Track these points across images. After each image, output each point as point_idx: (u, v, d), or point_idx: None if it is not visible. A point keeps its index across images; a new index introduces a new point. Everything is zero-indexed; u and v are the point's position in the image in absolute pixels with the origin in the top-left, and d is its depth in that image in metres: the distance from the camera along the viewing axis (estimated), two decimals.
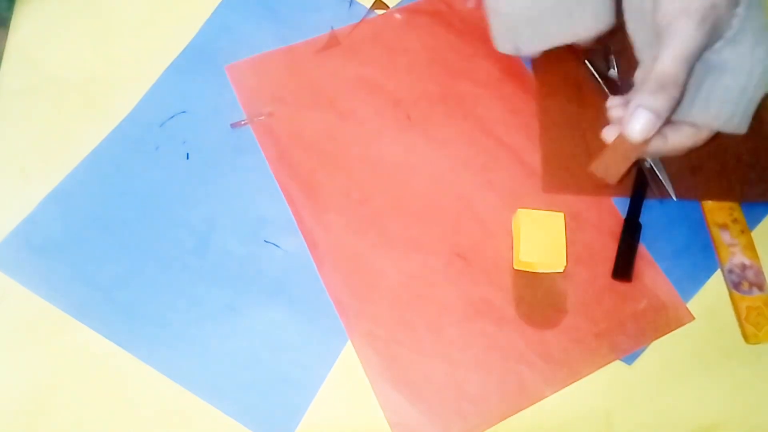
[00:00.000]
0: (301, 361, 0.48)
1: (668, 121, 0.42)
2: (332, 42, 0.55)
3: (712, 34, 0.40)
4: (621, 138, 0.42)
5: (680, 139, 0.44)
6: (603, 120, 0.48)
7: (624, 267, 0.50)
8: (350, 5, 0.56)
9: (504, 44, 0.51)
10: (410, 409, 0.47)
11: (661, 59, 0.39)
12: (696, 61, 0.40)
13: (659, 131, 0.41)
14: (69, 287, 0.48)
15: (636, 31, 0.44)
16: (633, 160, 0.44)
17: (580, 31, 0.48)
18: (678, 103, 0.41)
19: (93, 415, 0.46)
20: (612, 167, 0.44)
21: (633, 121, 0.40)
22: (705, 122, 0.43)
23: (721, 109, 0.42)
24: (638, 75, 0.43)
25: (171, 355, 0.47)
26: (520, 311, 0.49)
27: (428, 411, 0.47)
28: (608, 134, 0.44)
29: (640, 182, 0.52)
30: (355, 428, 0.47)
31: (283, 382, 0.47)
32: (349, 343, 0.48)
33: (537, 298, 0.50)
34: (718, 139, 0.53)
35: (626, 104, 0.42)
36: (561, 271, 0.49)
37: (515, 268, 0.50)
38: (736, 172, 0.53)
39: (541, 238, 0.48)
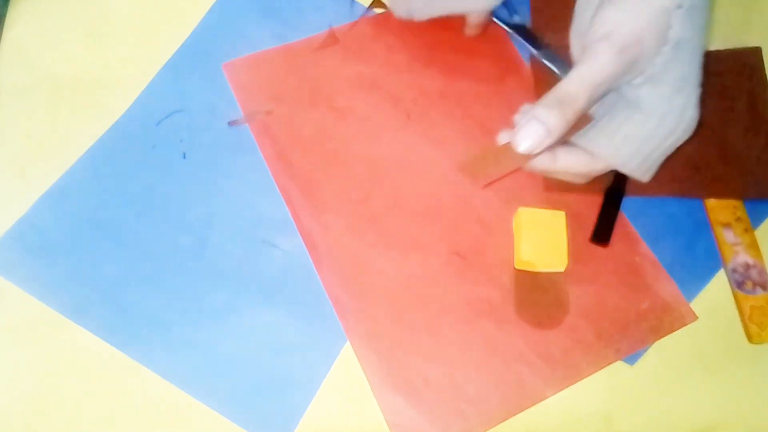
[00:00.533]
0: (300, 361, 0.47)
1: (564, 142, 0.40)
2: (330, 40, 0.55)
3: (631, 68, 0.38)
4: (509, 145, 0.40)
5: (571, 163, 0.42)
6: None
7: (602, 230, 0.50)
8: (352, 5, 0.56)
9: (398, 9, 0.52)
10: (409, 410, 0.46)
11: (567, 76, 0.38)
12: (605, 91, 0.39)
13: (550, 149, 0.40)
14: (65, 288, 0.48)
15: (575, 49, 0.43)
16: (509, 171, 0.42)
17: (469, 5, 0.49)
18: (570, 125, 0.39)
19: (90, 418, 0.46)
20: (485, 171, 0.42)
21: (523, 131, 0.38)
22: (603, 154, 0.41)
23: (623, 146, 0.40)
24: None
25: (168, 357, 0.47)
26: (521, 311, 0.49)
27: (427, 412, 0.46)
28: (502, 138, 0.42)
29: None
30: (353, 429, 0.46)
31: (281, 383, 0.47)
32: (347, 343, 0.48)
33: (538, 298, 0.49)
34: (720, 136, 0.53)
35: None
36: (562, 270, 0.48)
37: (516, 267, 0.49)
38: (739, 169, 0.53)
39: (542, 237, 0.47)
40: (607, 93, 0.39)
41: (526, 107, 0.43)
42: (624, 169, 0.41)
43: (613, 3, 0.38)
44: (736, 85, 0.55)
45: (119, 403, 0.46)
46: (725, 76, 0.56)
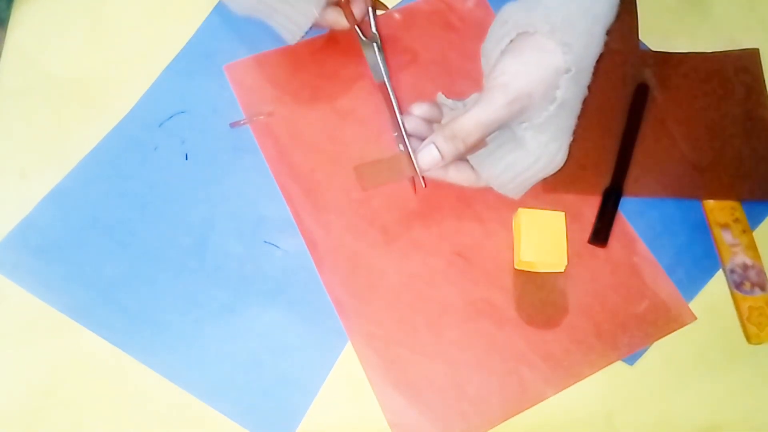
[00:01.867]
0: (301, 362, 0.47)
1: (456, 161, 0.47)
2: (331, 42, 0.55)
3: (520, 114, 0.44)
4: (404, 156, 0.47)
5: (458, 179, 0.49)
6: (595, 117, 0.51)
7: (601, 231, 0.51)
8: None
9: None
10: (410, 410, 0.46)
11: (465, 114, 0.44)
12: (496, 129, 0.45)
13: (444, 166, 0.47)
14: (67, 288, 0.48)
15: (484, 76, 0.47)
16: (400, 179, 0.48)
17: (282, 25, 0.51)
18: (462, 154, 0.45)
19: (91, 418, 0.46)
20: (377, 176, 0.47)
21: (421, 153, 0.45)
22: (486, 176, 0.48)
23: (504, 173, 0.47)
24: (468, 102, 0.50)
25: (170, 357, 0.47)
26: (521, 311, 0.49)
27: (428, 412, 0.46)
28: (401, 146, 0.48)
29: (625, 145, 0.53)
30: (355, 429, 0.46)
31: (283, 383, 0.47)
32: (349, 343, 0.48)
33: (538, 298, 0.49)
34: (718, 138, 0.54)
35: (428, 124, 0.48)
36: (562, 270, 0.48)
37: (516, 267, 0.50)
38: (737, 171, 0.53)
39: (542, 237, 0.48)
40: (498, 129, 0.46)
41: (415, 107, 0.49)
42: (500, 191, 0.49)
43: (514, 55, 0.44)
44: (734, 87, 0.56)
45: (121, 402, 0.46)
46: (723, 77, 0.56)
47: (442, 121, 0.49)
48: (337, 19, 0.52)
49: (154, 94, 0.53)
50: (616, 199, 0.52)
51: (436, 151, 0.45)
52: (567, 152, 0.46)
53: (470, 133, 0.44)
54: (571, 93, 0.44)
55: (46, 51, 0.54)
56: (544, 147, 0.45)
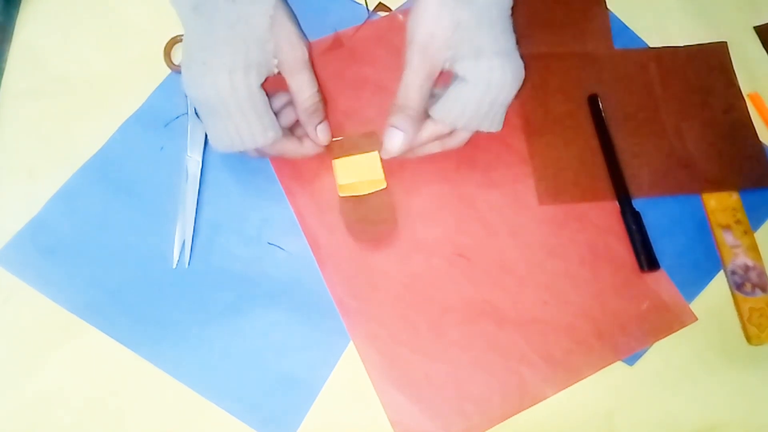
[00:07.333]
0: (304, 361, 0.48)
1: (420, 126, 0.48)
2: (336, 44, 0.55)
3: (437, 58, 0.45)
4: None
5: (429, 136, 0.49)
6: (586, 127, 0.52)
7: (646, 256, 0.50)
8: (355, 8, 0.56)
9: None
10: (412, 409, 0.47)
11: (400, 86, 0.47)
12: (429, 84, 0.47)
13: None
14: (75, 287, 0.49)
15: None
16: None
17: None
18: (418, 121, 0.47)
19: (98, 415, 0.47)
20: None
21: (387, 140, 0.48)
22: (438, 117, 0.48)
23: (453, 109, 0.47)
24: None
25: (176, 356, 0.48)
26: (353, 233, 0.50)
27: (429, 411, 0.47)
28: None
29: (608, 157, 0.53)
30: (356, 428, 0.47)
31: (286, 382, 0.47)
32: (351, 343, 0.48)
33: (366, 217, 0.50)
34: (702, 131, 0.55)
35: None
36: (384, 187, 0.51)
37: (341, 195, 0.51)
38: (728, 161, 0.54)
39: (357, 161, 0.51)
40: (432, 84, 0.47)
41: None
42: (457, 126, 0.48)
43: (411, 12, 0.46)
44: (708, 80, 0.57)
45: (127, 400, 0.47)
46: (695, 71, 0.57)
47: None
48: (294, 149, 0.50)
49: (161, 95, 0.53)
50: (635, 218, 0.51)
51: (396, 131, 0.47)
52: (504, 71, 0.45)
53: (411, 97, 0.46)
54: (464, 15, 0.44)
55: (54, 51, 0.54)
56: (472, 71, 0.45)
